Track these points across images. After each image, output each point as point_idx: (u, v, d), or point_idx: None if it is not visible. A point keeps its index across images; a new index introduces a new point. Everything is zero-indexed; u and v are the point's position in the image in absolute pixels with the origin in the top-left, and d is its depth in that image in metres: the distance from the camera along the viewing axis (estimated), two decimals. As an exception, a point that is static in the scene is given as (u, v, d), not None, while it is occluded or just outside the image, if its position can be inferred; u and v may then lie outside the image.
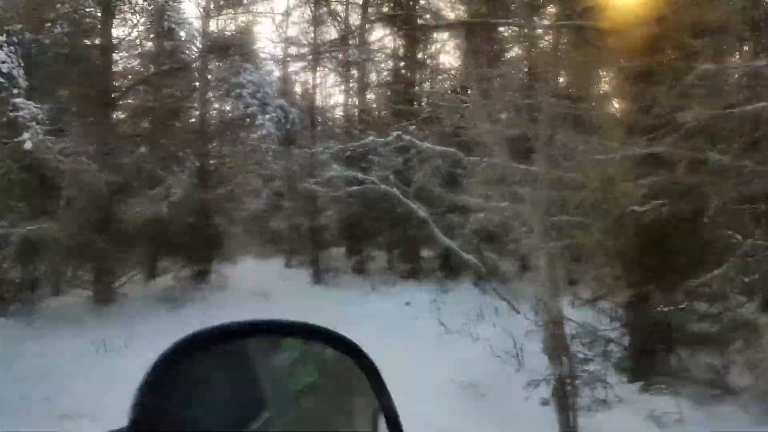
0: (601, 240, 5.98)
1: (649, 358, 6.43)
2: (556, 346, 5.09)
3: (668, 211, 5.95)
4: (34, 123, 8.99)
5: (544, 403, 6.38)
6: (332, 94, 17.12)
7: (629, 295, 6.20)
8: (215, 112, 12.98)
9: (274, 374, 1.18)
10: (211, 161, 13.75)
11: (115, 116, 12.31)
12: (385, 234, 17.00)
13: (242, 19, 15.82)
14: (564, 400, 5.13)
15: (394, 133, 9.49)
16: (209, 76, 12.85)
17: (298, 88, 17.47)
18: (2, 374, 8.31)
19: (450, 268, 15.97)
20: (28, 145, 8.88)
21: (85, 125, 11.52)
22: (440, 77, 16.23)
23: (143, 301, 14.14)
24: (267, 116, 11.88)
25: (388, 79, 16.77)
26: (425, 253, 17.62)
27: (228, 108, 12.63)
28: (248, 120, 11.80)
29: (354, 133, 13.09)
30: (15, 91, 9.04)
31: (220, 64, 12.42)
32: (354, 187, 12.62)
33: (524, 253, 16.60)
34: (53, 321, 12.03)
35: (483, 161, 7.50)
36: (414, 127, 10.06)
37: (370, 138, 10.85)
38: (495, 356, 7.86)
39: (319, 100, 16.34)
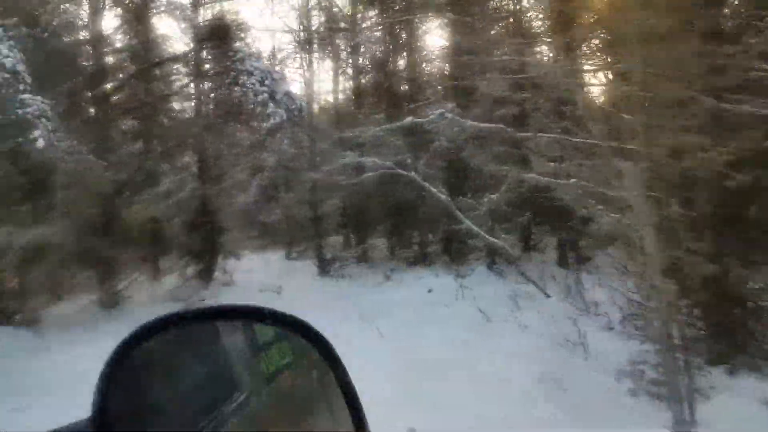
0: (679, 212, 5.69)
1: (729, 339, 6.25)
2: (670, 331, 4.83)
3: (746, 179, 5.70)
4: (43, 120, 8.30)
5: (633, 393, 6.17)
6: (325, 80, 16.46)
7: (706, 272, 5.91)
8: (221, 102, 12.29)
9: (247, 356, 1.19)
10: (215, 154, 13.10)
11: (111, 112, 11.57)
12: (388, 221, 16.66)
13: (228, 6, 15.08)
14: (676, 390, 4.89)
15: (437, 111, 9.04)
16: (207, 65, 12.17)
17: (294, 77, 16.80)
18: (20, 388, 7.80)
19: (456, 252, 15.75)
20: (40, 144, 8.20)
21: (85, 122, 10.80)
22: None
23: (151, 303, 13.53)
24: (275, 104, 11.33)
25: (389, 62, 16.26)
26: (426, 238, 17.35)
27: (235, 97, 11.99)
28: (260, 109, 11.23)
29: (359, 119, 12.60)
30: (21, 87, 8.32)
31: (220, 51, 11.75)
32: (369, 174, 12.19)
33: (528, 234, 16.56)
34: (62, 328, 11.41)
35: (537, 136, 7.15)
36: (453, 104, 9.62)
37: (409, 118, 10.35)
38: (556, 345, 7.62)
39: (316, 87, 15.68)
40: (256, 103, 11.12)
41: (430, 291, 12.93)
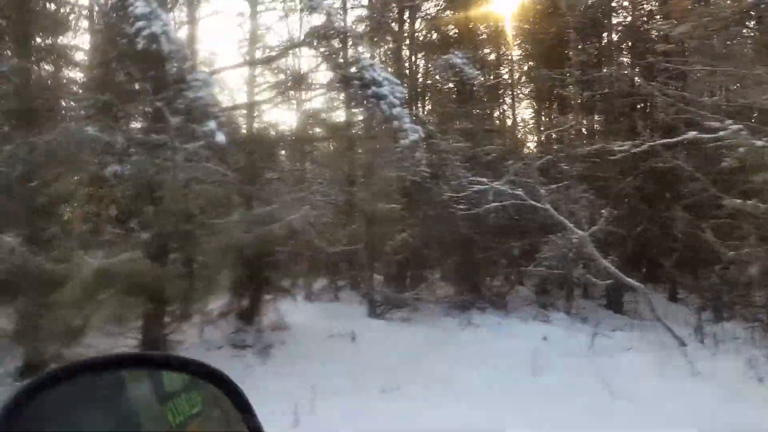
0: None
1: None
2: None
3: None
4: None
5: None
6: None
7: None
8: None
9: (153, 406, 1.15)
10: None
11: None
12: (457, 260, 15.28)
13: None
14: None
15: (731, 126, 7.75)
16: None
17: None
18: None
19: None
20: (220, 138, 6.02)
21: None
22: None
23: (210, 351, 11.09)
24: (410, 119, 9.72)
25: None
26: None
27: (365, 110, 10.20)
28: (395, 123, 9.55)
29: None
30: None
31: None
32: (493, 204, 10.82)
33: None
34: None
35: None
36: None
37: (692, 133, 8.87)
38: None
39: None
40: (391, 117, 9.44)
41: (545, 339, 11.55)
